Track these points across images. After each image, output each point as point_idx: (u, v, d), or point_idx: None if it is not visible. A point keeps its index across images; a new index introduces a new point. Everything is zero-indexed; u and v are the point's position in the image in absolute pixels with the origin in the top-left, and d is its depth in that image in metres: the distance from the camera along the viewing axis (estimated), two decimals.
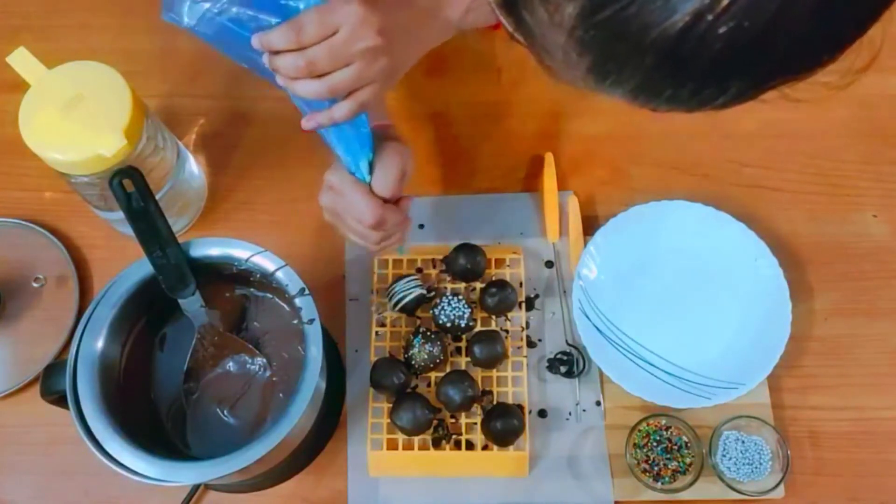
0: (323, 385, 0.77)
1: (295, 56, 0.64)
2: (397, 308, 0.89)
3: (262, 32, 0.65)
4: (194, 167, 0.96)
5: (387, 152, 0.76)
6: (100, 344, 0.74)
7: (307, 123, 0.70)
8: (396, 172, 0.75)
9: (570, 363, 0.89)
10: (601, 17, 0.39)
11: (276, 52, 0.65)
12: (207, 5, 0.64)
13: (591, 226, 0.93)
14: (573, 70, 0.45)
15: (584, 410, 0.88)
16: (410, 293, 0.88)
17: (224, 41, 0.66)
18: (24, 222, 0.97)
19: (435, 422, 0.85)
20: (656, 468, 0.83)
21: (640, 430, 0.84)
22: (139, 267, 0.76)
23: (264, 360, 0.81)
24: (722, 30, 0.37)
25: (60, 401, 0.73)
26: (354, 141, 0.73)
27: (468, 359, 0.88)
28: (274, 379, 0.80)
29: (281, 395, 0.79)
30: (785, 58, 0.41)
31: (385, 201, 0.76)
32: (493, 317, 0.90)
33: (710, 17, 0.37)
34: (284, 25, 0.64)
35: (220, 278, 0.80)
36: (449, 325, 0.87)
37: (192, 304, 0.77)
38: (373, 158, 0.75)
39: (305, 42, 0.64)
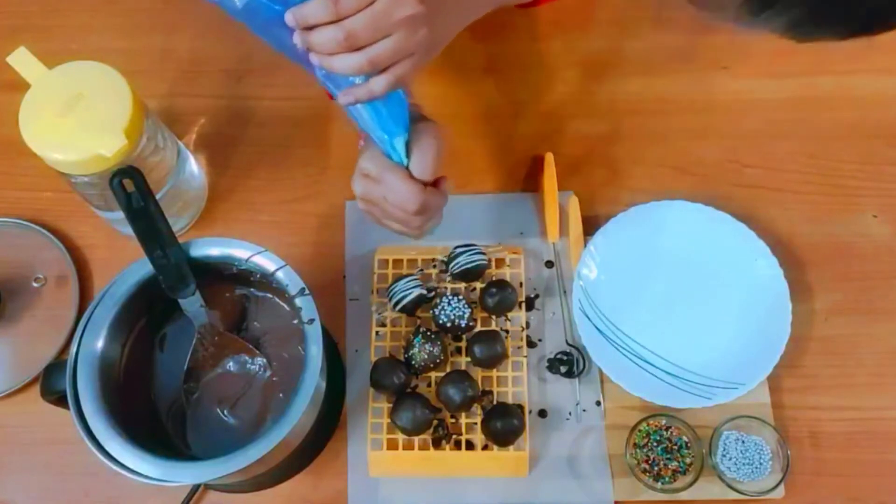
0: (323, 385, 0.77)
1: (333, 28, 0.62)
2: (397, 308, 0.89)
3: (297, 6, 0.63)
4: (194, 167, 0.96)
5: (422, 132, 0.73)
6: (100, 344, 0.74)
7: (344, 98, 0.68)
8: (435, 152, 0.72)
9: (570, 363, 0.89)
10: None
11: (311, 28, 0.63)
12: None
13: (591, 226, 0.93)
14: (729, 2, 0.43)
15: (584, 410, 0.88)
16: (410, 293, 0.88)
17: (255, 19, 0.65)
18: (24, 222, 0.97)
19: (435, 422, 0.85)
20: (656, 468, 0.83)
21: (640, 430, 0.84)
22: (139, 267, 0.76)
23: (264, 360, 0.81)
24: None
25: (60, 401, 0.73)
26: (389, 119, 0.70)
27: (468, 359, 0.88)
28: (274, 379, 0.80)
29: (281, 395, 0.79)
30: None
31: (424, 184, 0.73)
32: (493, 317, 0.90)
33: None
34: None
35: (220, 278, 0.79)
36: (449, 325, 0.87)
37: (192, 304, 0.77)
38: (408, 138, 0.72)
39: (344, 12, 0.62)
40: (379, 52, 0.64)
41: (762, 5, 0.42)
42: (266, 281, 0.78)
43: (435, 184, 0.75)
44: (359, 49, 0.63)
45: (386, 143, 0.72)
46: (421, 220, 0.75)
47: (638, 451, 0.84)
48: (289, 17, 0.64)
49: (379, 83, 0.66)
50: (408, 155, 0.73)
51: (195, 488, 0.85)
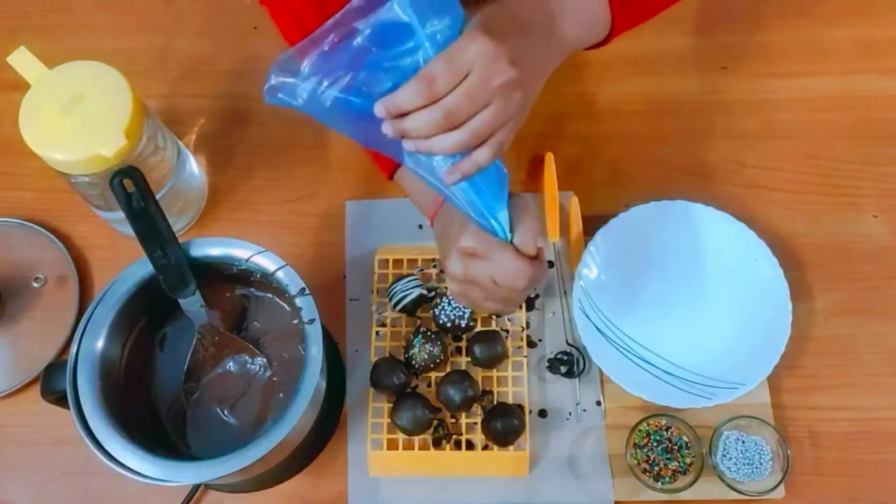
0: (323, 385, 0.77)
1: (430, 111, 0.60)
2: (397, 308, 0.89)
3: (388, 96, 0.61)
4: (194, 167, 0.96)
5: (519, 205, 0.70)
6: (100, 344, 0.74)
7: (451, 177, 0.65)
8: (535, 225, 0.70)
9: (570, 363, 0.89)
10: None
11: (404, 114, 0.62)
12: (316, 81, 0.61)
13: (591, 226, 0.93)
14: None
15: (584, 410, 0.88)
16: (410, 293, 0.88)
17: (338, 115, 0.63)
18: (24, 222, 0.97)
19: (435, 422, 0.85)
20: (656, 468, 0.83)
21: (640, 430, 0.84)
22: (139, 267, 0.76)
23: (264, 360, 0.81)
24: None
25: (61, 401, 0.73)
26: (489, 194, 0.68)
27: (468, 359, 0.88)
28: (274, 379, 0.80)
29: (281, 395, 0.79)
30: None
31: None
32: (493, 317, 0.90)
33: None
34: (414, 80, 0.60)
35: (221, 278, 0.80)
36: (449, 325, 0.87)
37: (192, 304, 0.77)
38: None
39: (440, 92, 0.60)
40: (479, 125, 0.62)
41: None
42: (266, 281, 0.78)
43: (536, 256, 0.72)
44: (459, 126, 0.62)
45: (488, 219, 0.69)
46: (525, 294, 0.72)
47: (638, 451, 0.84)
48: (379, 109, 0.62)
49: (482, 154, 0.64)
50: (511, 230, 0.70)
51: (195, 488, 0.85)
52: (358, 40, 0.61)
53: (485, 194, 0.68)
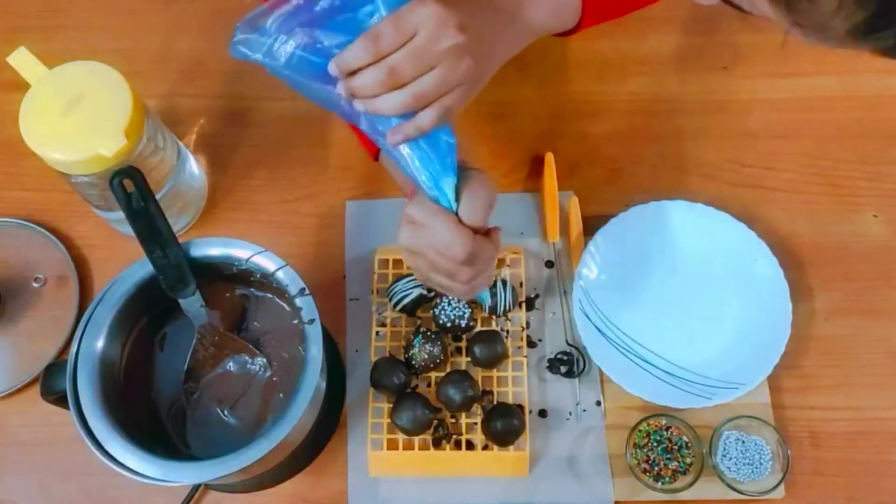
0: (323, 385, 0.77)
1: (375, 68, 0.62)
2: (397, 308, 0.89)
3: (338, 55, 0.63)
4: (194, 167, 0.96)
5: (471, 178, 0.70)
6: (100, 344, 0.74)
7: (393, 137, 0.66)
8: (485, 198, 0.70)
9: (570, 363, 0.89)
10: None
11: (354, 74, 0.63)
12: (275, 36, 0.63)
13: (591, 226, 0.93)
14: (839, 24, 0.43)
15: (584, 410, 0.88)
16: (410, 293, 0.88)
17: (297, 73, 0.65)
18: (24, 222, 0.97)
19: (435, 422, 0.85)
20: (656, 468, 0.83)
21: (640, 430, 0.84)
22: (139, 267, 0.76)
23: (264, 360, 0.81)
24: None
25: (60, 401, 0.73)
26: (437, 161, 0.68)
27: (468, 359, 0.88)
28: (274, 379, 0.80)
29: (281, 395, 0.79)
30: None
31: (475, 232, 0.70)
32: (493, 316, 0.90)
33: None
34: (360, 38, 0.62)
35: (220, 278, 0.80)
36: (449, 325, 0.87)
37: (192, 304, 0.77)
38: (457, 183, 0.70)
39: (384, 49, 0.62)
40: (423, 87, 0.63)
41: (874, 28, 0.42)
42: (266, 281, 0.78)
43: (486, 235, 0.72)
44: (403, 86, 0.63)
45: (433, 186, 0.69)
46: (470, 271, 0.71)
47: (638, 451, 0.84)
48: (331, 67, 0.63)
49: (426, 117, 0.65)
50: (457, 200, 0.70)
51: (195, 488, 0.85)
52: (322, 3, 0.63)
53: (429, 159, 0.68)
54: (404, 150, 0.68)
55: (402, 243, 0.72)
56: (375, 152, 0.85)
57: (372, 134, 0.69)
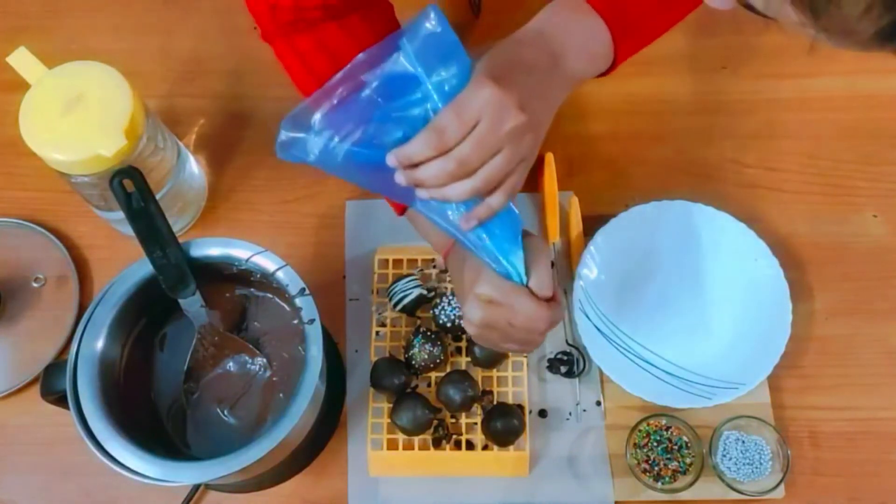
0: (323, 385, 0.77)
1: (442, 161, 0.62)
2: (397, 308, 0.89)
3: (399, 147, 0.62)
4: (194, 167, 0.96)
5: (532, 246, 0.69)
6: (100, 344, 0.74)
7: (468, 224, 0.66)
8: (549, 265, 0.70)
9: (570, 363, 0.89)
10: None
11: (416, 165, 0.63)
12: (328, 135, 0.62)
13: (591, 226, 0.93)
14: (865, 28, 0.42)
15: (584, 410, 0.88)
16: (410, 293, 0.88)
17: (351, 168, 0.64)
18: (24, 222, 0.97)
19: (435, 422, 0.85)
20: (656, 468, 0.83)
21: (640, 430, 0.84)
22: (139, 267, 0.76)
23: (264, 360, 0.81)
24: None
25: (60, 401, 0.73)
26: (503, 237, 0.68)
27: (468, 359, 0.88)
28: (274, 379, 0.80)
29: (281, 395, 0.79)
30: None
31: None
32: None
33: None
34: (424, 133, 0.61)
35: (220, 278, 0.79)
36: (449, 325, 0.87)
37: (192, 304, 0.77)
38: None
39: (450, 142, 0.61)
40: (492, 172, 0.62)
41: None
42: (266, 281, 0.78)
43: (553, 297, 0.71)
44: (471, 173, 0.62)
45: (503, 263, 0.68)
46: (544, 337, 0.72)
47: (638, 451, 0.84)
48: (391, 160, 0.62)
49: (497, 199, 0.64)
50: (526, 272, 0.69)
51: (195, 488, 0.84)
52: (366, 92, 0.62)
53: (498, 238, 0.68)
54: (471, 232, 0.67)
55: (475, 321, 0.71)
56: (402, 209, 0.83)
57: (427, 213, 0.68)
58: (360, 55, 0.62)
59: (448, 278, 0.91)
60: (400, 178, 0.64)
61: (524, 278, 0.69)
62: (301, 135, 0.62)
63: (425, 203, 0.67)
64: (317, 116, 0.62)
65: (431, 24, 0.60)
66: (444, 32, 0.61)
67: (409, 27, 0.61)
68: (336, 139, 0.62)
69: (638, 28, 0.75)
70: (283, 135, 0.62)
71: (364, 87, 0.62)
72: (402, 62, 0.61)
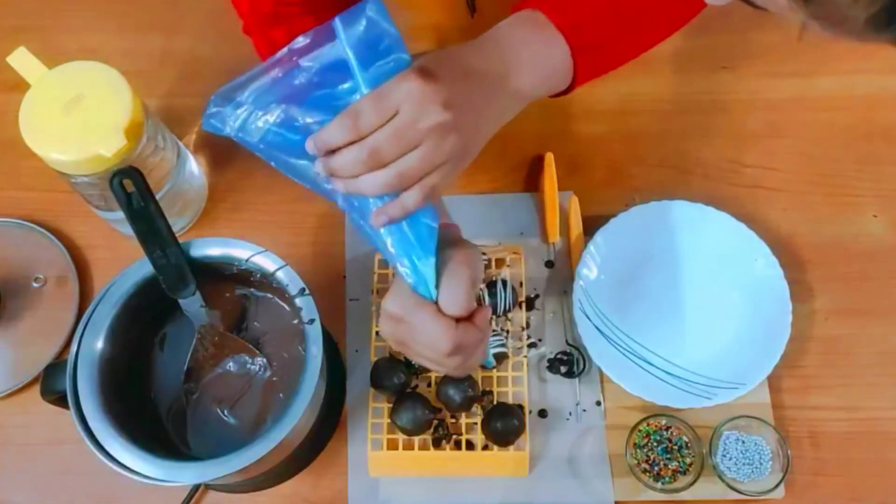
0: (323, 385, 0.77)
1: (356, 148, 0.59)
2: None
3: (317, 132, 0.60)
4: (194, 167, 0.96)
5: (452, 260, 0.65)
6: (100, 344, 0.74)
7: (377, 219, 0.63)
8: (467, 284, 0.65)
9: (570, 363, 0.89)
10: None
11: (333, 152, 0.60)
12: (249, 110, 0.61)
13: (591, 226, 0.93)
14: (858, 14, 0.41)
15: (584, 410, 0.88)
16: None
17: (271, 149, 0.62)
18: (24, 222, 0.97)
19: (435, 422, 0.85)
20: (656, 468, 0.83)
21: (640, 430, 0.84)
22: (139, 267, 0.76)
23: (264, 360, 0.81)
24: None
25: (60, 401, 0.73)
26: (416, 243, 0.64)
27: None
28: (274, 379, 0.80)
29: (281, 395, 0.79)
30: None
31: (457, 319, 0.66)
32: (493, 316, 0.90)
33: None
34: (339, 117, 0.59)
35: (220, 278, 0.80)
36: None
37: (192, 304, 0.77)
38: (437, 263, 0.65)
39: (365, 129, 0.59)
40: (408, 166, 0.60)
41: (895, 17, 0.40)
42: (266, 281, 0.78)
43: (469, 317, 0.67)
44: (385, 166, 0.60)
45: (411, 272, 0.65)
46: (456, 360, 0.67)
47: (638, 451, 0.84)
48: (309, 145, 0.61)
49: (410, 198, 0.61)
50: (437, 285, 0.66)
51: (195, 488, 0.85)
52: (299, 75, 0.60)
53: (409, 244, 0.64)
54: (382, 231, 0.64)
55: (384, 336, 0.70)
56: None
57: (349, 211, 0.65)
58: (300, 38, 0.60)
59: None
60: (318, 166, 0.62)
61: (433, 292, 0.66)
62: (226, 108, 0.61)
63: (346, 200, 0.64)
64: (246, 92, 0.61)
65: (372, 13, 0.59)
66: (385, 24, 0.59)
67: (350, 14, 0.59)
68: (257, 116, 0.61)
69: (602, 51, 0.72)
70: (212, 107, 0.61)
71: (299, 70, 0.60)
72: (341, 47, 0.59)
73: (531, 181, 0.98)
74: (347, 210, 0.65)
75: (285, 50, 0.61)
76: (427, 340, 0.66)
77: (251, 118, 0.61)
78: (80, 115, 0.80)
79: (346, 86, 0.60)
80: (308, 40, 0.60)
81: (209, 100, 0.62)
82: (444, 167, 0.61)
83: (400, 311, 0.67)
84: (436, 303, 0.66)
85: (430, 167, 0.61)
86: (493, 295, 0.88)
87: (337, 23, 0.59)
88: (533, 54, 0.68)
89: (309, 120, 0.61)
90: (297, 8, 0.74)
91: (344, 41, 0.59)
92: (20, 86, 0.81)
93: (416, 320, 0.66)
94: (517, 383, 0.87)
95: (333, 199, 0.65)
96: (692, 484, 0.82)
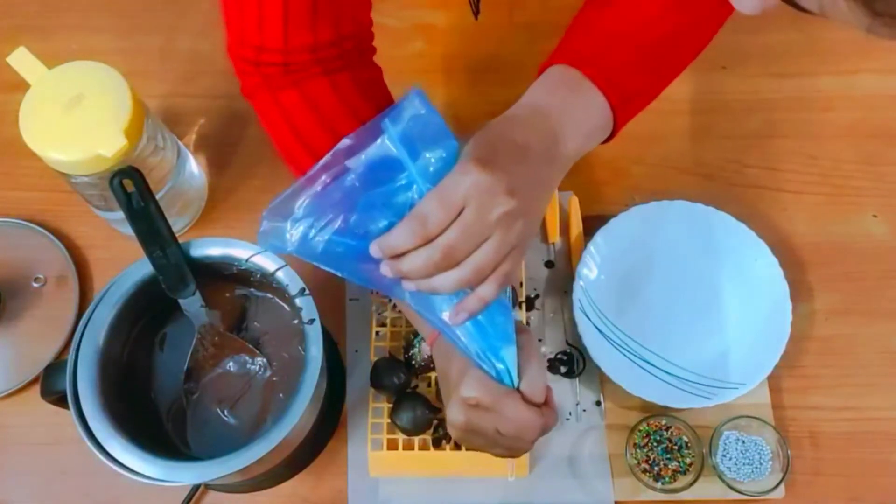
0: (323, 385, 0.77)
1: (427, 250, 0.58)
2: (397, 308, 0.89)
3: (382, 237, 0.59)
4: (194, 167, 0.96)
5: (523, 343, 0.65)
6: (100, 344, 0.74)
7: (457, 318, 0.62)
8: (544, 369, 0.65)
9: (570, 363, 0.89)
10: None
11: (399, 256, 0.59)
12: (307, 224, 0.59)
13: (591, 226, 0.93)
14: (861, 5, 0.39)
15: (584, 410, 0.88)
16: None
17: (333, 258, 0.61)
18: (24, 222, 0.97)
19: (435, 422, 0.85)
20: (656, 468, 0.83)
21: (640, 430, 0.84)
22: (139, 267, 0.76)
23: (264, 360, 0.81)
24: None
25: (60, 401, 0.73)
26: (491, 331, 0.63)
27: None
28: (274, 379, 0.80)
29: (281, 395, 0.79)
30: None
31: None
32: None
33: None
34: (406, 221, 0.58)
35: (220, 278, 0.80)
36: None
37: (192, 304, 0.77)
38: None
39: (434, 231, 0.57)
40: (481, 261, 0.58)
41: None
42: (266, 281, 0.78)
43: (546, 402, 0.67)
44: (458, 263, 0.58)
45: (492, 360, 0.64)
46: (534, 443, 0.67)
47: (638, 451, 0.84)
48: (374, 249, 0.59)
49: (488, 290, 0.60)
50: (518, 373, 0.64)
51: (195, 488, 0.85)
52: (350, 178, 0.59)
53: (488, 334, 0.63)
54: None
55: (457, 425, 0.66)
56: None
57: (420, 310, 0.64)
58: (345, 139, 0.60)
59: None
60: (385, 269, 0.60)
61: (515, 380, 0.64)
62: (280, 223, 0.60)
63: (413, 295, 0.63)
64: (298, 204, 0.60)
65: (416, 106, 0.58)
66: (428, 114, 0.58)
67: (393, 109, 0.58)
68: (316, 228, 0.59)
69: (638, 96, 0.72)
70: (265, 224, 0.60)
71: (348, 173, 0.59)
72: (387, 146, 0.58)
73: None
74: (416, 306, 0.64)
75: (329, 154, 0.60)
76: (515, 430, 0.64)
77: (310, 232, 0.60)
78: (79, 115, 0.80)
79: (401, 181, 0.59)
80: (352, 141, 0.60)
81: (261, 216, 0.60)
82: (514, 252, 0.61)
83: (487, 400, 0.64)
84: (518, 389, 0.65)
85: (503, 257, 0.60)
86: None
87: (387, 123, 0.58)
88: (575, 118, 0.67)
89: (369, 223, 0.60)
90: (307, 56, 0.69)
91: (396, 139, 0.58)
92: (20, 86, 0.81)
93: (506, 409, 0.64)
94: None
95: (401, 298, 0.64)
96: (692, 484, 0.82)
